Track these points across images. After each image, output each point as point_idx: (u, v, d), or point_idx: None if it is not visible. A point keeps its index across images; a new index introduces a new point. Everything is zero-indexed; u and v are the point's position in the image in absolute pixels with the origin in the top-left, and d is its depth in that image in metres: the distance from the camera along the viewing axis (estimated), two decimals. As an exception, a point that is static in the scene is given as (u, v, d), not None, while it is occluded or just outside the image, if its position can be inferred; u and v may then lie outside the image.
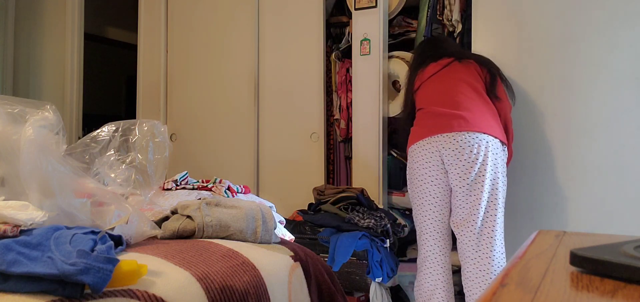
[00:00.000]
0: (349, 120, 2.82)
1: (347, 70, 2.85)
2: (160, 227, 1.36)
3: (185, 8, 3.28)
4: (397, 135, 2.84)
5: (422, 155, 2.09)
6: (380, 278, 2.20)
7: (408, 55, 2.70)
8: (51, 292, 0.83)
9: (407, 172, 2.21)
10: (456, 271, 2.29)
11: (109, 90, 5.19)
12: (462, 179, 1.99)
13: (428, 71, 2.27)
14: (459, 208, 2.03)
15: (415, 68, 2.36)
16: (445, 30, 2.70)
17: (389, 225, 2.35)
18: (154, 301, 0.90)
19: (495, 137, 2.03)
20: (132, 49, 3.66)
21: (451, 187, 2.05)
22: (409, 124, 2.29)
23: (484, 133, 2.00)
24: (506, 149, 2.11)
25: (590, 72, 2.33)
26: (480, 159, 1.97)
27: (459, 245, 2.06)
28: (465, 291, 2.07)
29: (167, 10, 3.32)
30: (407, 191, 2.76)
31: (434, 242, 2.10)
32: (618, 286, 0.53)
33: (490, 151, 1.99)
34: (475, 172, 1.97)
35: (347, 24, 2.90)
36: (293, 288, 1.30)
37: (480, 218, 1.99)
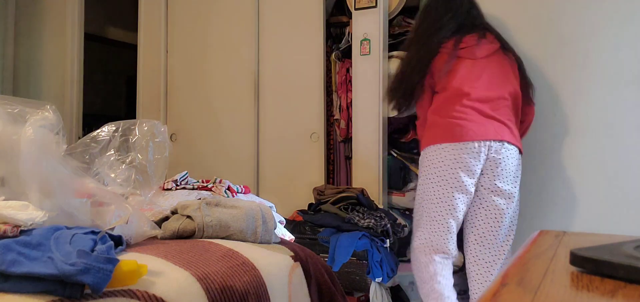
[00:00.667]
0: (349, 120, 2.82)
1: (347, 70, 2.85)
2: (160, 227, 1.36)
3: (185, 8, 3.28)
4: (398, 135, 2.83)
5: (467, 156, 1.94)
6: (380, 278, 2.20)
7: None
8: (51, 293, 0.83)
9: (431, 165, 2.03)
10: (456, 271, 2.29)
11: (109, 90, 5.19)
12: (496, 184, 1.97)
13: (482, 50, 2.07)
14: (483, 209, 2.02)
15: (453, 31, 2.10)
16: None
17: (389, 225, 2.34)
18: (154, 301, 0.90)
19: (520, 152, 2.05)
20: (132, 49, 3.65)
21: (477, 189, 2.01)
22: (416, 86, 2.13)
23: (518, 147, 2.02)
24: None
25: (591, 72, 2.33)
26: (513, 174, 1.99)
27: (469, 245, 2.05)
28: (470, 290, 2.06)
29: (167, 10, 3.31)
30: (407, 191, 2.76)
31: (453, 244, 2.07)
32: (618, 285, 0.53)
33: (520, 166, 2.03)
34: (507, 186, 1.98)
35: (347, 24, 2.90)
36: (293, 288, 1.30)
37: (505, 229, 2.00)
